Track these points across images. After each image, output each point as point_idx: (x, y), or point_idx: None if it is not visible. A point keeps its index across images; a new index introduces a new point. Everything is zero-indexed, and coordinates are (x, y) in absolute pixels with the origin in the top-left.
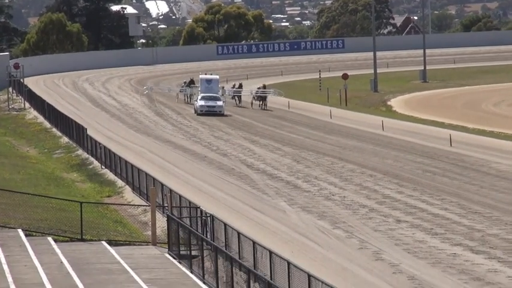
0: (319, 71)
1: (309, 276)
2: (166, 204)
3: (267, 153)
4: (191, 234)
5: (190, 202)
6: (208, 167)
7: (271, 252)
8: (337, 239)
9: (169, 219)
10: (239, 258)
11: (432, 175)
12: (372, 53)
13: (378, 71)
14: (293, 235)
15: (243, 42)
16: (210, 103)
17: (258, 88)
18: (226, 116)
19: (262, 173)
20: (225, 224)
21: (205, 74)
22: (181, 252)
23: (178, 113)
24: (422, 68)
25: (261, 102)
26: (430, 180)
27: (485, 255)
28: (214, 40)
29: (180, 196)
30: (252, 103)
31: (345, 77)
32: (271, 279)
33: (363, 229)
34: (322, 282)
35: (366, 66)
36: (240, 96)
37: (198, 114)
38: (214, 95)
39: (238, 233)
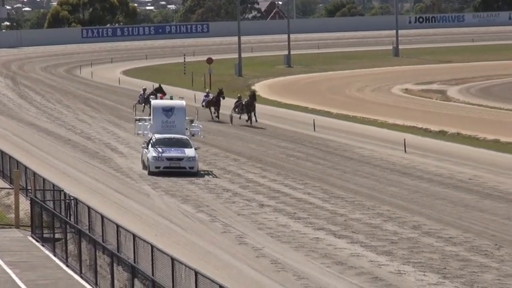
0: (184, 55)
1: (172, 259)
2: (29, 187)
3: (131, 136)
4: (54, 217)
5: (54, 185)
6: (72, 150)
7: (134, 236)
8: (201, 222)
9: (32, 202)
10: (103, 242)
11: (296, 160)
12: (236, 38)
13: (242, 56)
14: (157, 219)
15: (108, 25)
16: (173, 153)
17: (238, 101)
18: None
19: (126, 157)
20: (89, 207)
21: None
22: (44, 235)
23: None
24: (287, 53)
25: (248, 115)
26: (293, 164)
27: (348, 239)
28: (79, 23)
29: (44, 179)
30: (231, 117)
31: (209, 61)
32: (134, 262)
33: (226, 213)
34: (185, 265)
35: (231, 50)
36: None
37: (151, 173)
38: (179, 136)
39: (102, 216)
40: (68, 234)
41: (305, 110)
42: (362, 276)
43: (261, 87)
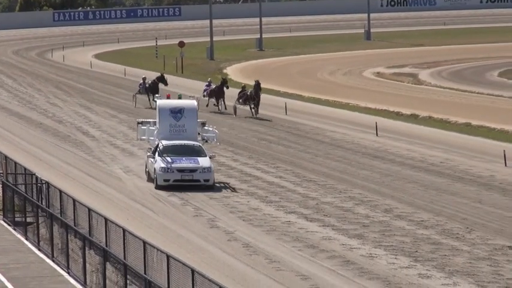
0: (156, 38)
1: (144, 243)
2: (1, 171)
3: (102, 120)
4: (26, 201)
5: (25, 169)
6: (44, 133)
7: (106, 220)
8: (173, 206)
9: (4, 186)
10: (74, 225)
11: (267, 143)
12: (208, 21)
13: (214, 39)
14: (129, 202)
15: (80, 9)
16: (184, 163)
17: (241, 91)
18: (217, 189)
19: (98, 140)
20: (60, 191)
21: (156, 84)
22: (16, 219)
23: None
24: (259, 37)
25: (251, 106)
26: (265, 148)
27: (320, 222)
28: (51, 7)
29: (16, 163)
30: (235, 108)
31: (181, 44)
32: (106, 246)
33: (198, 196)
34: (157, 249)
35: (203, 34)
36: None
37: (159, 187)
38: (191, 143)
39: (74, 200)
40: (39, 218)
41: (277, 93)
42: (334, 259)
43: (232, 71)
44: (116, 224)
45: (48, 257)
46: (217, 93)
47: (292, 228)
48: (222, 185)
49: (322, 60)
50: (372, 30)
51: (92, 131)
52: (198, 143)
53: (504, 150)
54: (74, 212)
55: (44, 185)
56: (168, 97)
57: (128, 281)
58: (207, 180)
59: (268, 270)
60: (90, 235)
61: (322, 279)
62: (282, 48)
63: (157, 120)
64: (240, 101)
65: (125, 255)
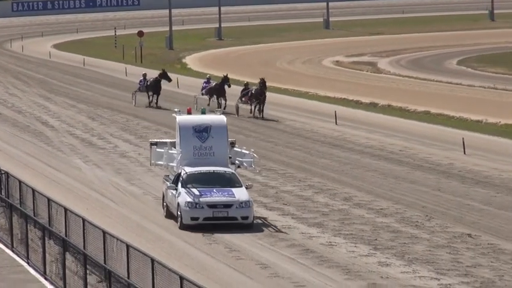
0: (115, 28)
1: (104, 232)
2: None
3: (62, 110)
4: None
5: None
6: (3, 124)
7: (66, 209)
8: (133, 196)
9: None
10: (34, 215)
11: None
12: (167, 11)
13: (173, 29)
14: (88, 192)
15: None
16: (216, 197)
17: (245, 89)
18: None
19: (57, 130)
20: (20, 181)
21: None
22: None
23: None
24: (218, 26)
25: (254, 106)
26: None
27: (279, 211)
28: None
29: None
30: (237, 108)
31: (140, 34)
32: (66, 236)
33: (158, 186)
34: (117, 238)
35: (162, 23)
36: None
37: (184, 227)
38: (221, 169)
39: (33, 190)
40: None
41: (236, 82)
42: (293, 248)
43: (191, 60)
44: (76, 214)
45: (7, 247)
46: (217, 91)
47: None
48: None
49: (281, 49)
50: (331, 19)
51: (51, 121)
52: (230, 170)
53: (463, 138)
54: (34, 202)
55: (3, 175)
56: (189, 112)
57: (87, 271)
58: (246, 218)
59: (228, 259)
60: (49, 225)
61: (281, 268)
62: (241, 38)
63: (177, 140)
64: (243, 99)
65: (84, 245)
